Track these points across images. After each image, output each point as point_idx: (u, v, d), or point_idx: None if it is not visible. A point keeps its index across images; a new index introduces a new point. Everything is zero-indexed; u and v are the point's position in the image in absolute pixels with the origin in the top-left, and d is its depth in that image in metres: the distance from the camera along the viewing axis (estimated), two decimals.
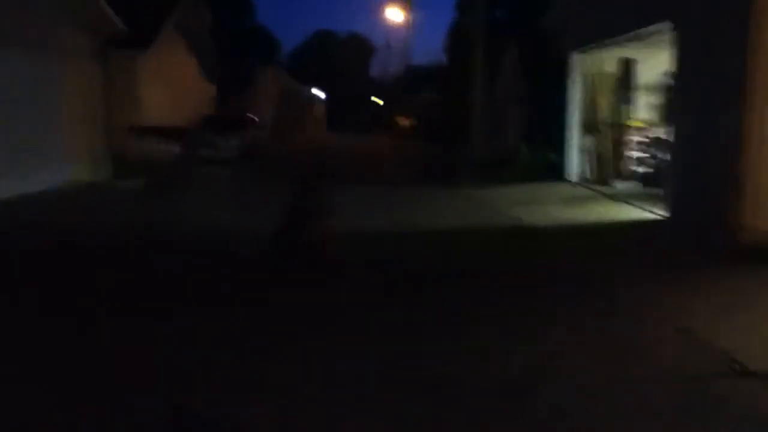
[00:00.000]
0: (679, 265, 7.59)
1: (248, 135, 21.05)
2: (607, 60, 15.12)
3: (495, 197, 13.20)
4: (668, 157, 11.70)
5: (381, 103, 76.30)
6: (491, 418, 3.72)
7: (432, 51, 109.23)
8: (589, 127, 15.45)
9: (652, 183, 13.69)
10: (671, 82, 14.74)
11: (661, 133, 14.17)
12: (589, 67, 15.40)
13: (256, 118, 23.98)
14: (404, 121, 55.70)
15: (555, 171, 16.13)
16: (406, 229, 9.81)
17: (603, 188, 14.16)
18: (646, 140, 14.88)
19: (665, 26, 10.85)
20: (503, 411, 3.81)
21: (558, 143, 16.32)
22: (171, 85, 21.10)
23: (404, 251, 8.28)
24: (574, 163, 15.87)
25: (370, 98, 76.22)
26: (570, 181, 15.63)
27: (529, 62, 22.80)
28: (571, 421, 3.68)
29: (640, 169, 14.86)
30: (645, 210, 11.18)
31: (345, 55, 74.47)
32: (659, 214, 10.68)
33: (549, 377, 4.26)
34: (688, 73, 10.19)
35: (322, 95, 53.53)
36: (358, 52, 77.52)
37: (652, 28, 11.52)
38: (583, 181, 15.43)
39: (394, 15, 47.36)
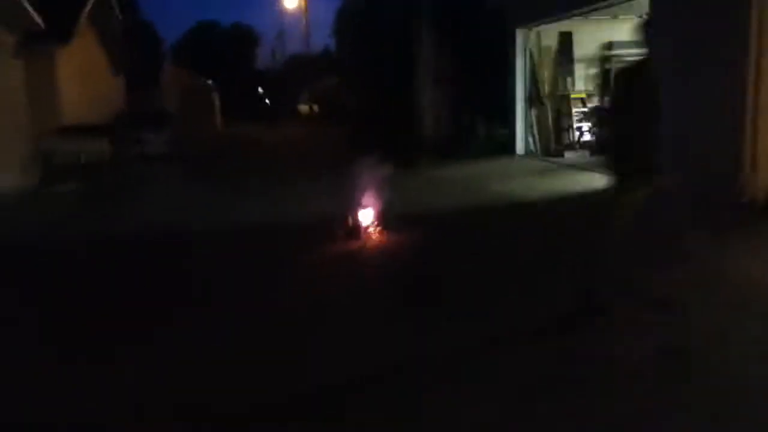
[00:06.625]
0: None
1: (172, 130, 20.33)
2: (546, 33, 15.55)
3: (459, 176, 13.29)
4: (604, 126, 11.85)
5: (261, 91, 75.29)
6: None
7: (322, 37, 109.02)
8: (533, 100, 15.82)
9: (598, 151, 14.22)
10: (606, 53, 15.40)
11: (598, 103, 14.85)
12: (531, 42, 15.73)
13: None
14: (304, 108, 55.33)
15: (503, 146, 16.36)
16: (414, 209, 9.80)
17: (556, 159, 14.55)
18: (586, 110, 15.46)
19: None
20: None
21: (502, 118, 16.60)
22: (87, 81, 19.83)
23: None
24: (519, 137, 16.19)
25: (257, 88, 74.94)
26: (518, 155, 15.94)
27: (465, 41, 22.76)
28: None
29: (583, 139, 15.42)
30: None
31: (229, 46, 72.47)
32: None
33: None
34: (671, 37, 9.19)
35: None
36: (242, 42, 75.78)
37: None
38: (530, 154, 15.81)
39: (289, 2, 46.95)
